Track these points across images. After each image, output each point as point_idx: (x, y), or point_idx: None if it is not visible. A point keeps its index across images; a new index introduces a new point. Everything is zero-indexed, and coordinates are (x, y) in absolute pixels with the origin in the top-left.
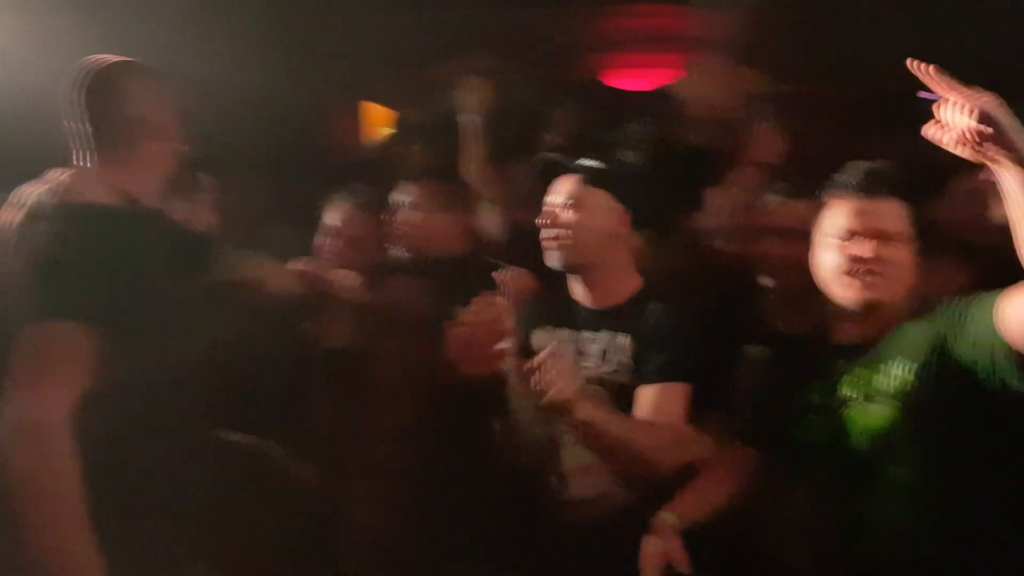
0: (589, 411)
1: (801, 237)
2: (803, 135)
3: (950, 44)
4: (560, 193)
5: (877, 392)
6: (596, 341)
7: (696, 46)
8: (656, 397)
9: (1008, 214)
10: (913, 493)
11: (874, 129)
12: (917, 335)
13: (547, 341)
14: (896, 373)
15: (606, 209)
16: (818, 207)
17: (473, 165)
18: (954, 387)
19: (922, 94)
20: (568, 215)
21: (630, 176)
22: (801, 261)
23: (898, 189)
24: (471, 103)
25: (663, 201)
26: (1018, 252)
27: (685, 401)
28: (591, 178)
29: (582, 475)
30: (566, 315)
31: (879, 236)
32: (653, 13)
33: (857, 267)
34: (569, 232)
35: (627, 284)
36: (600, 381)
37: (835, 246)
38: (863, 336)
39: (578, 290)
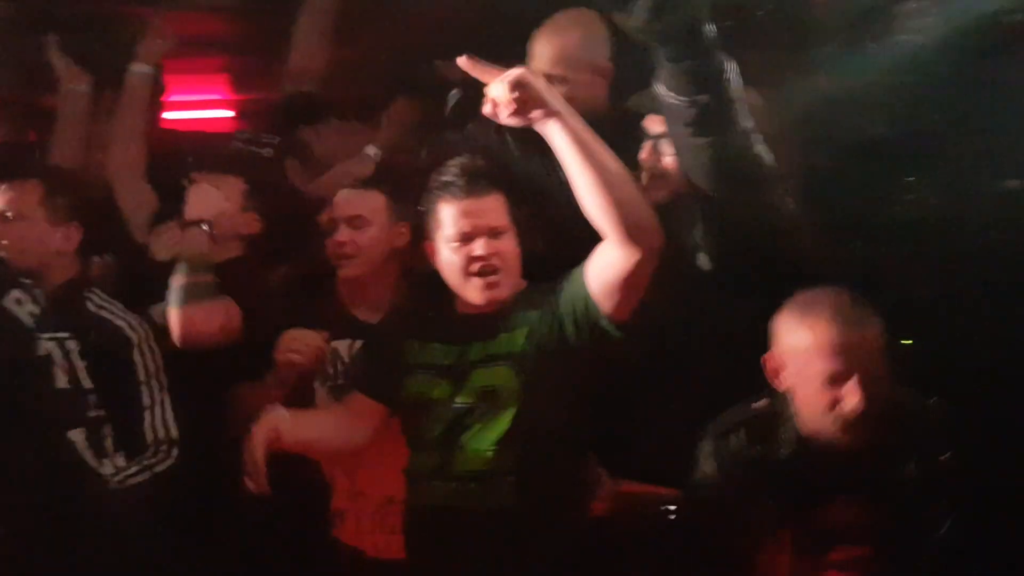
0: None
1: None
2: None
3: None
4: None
5: (498, 355)
6: None
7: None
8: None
9: (565, 171)
10: (517, 446)
11: None
12: (532, 304)
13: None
14: (516, 338)
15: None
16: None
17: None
18: (557, 345)
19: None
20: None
21: None
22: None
23: (497, 182)
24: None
25: None
26: (580, 205)
27: None
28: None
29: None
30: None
31: (489, 233)
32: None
33: (477, 266)
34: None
35: None
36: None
37: (453, 249)
38: (487, 311)
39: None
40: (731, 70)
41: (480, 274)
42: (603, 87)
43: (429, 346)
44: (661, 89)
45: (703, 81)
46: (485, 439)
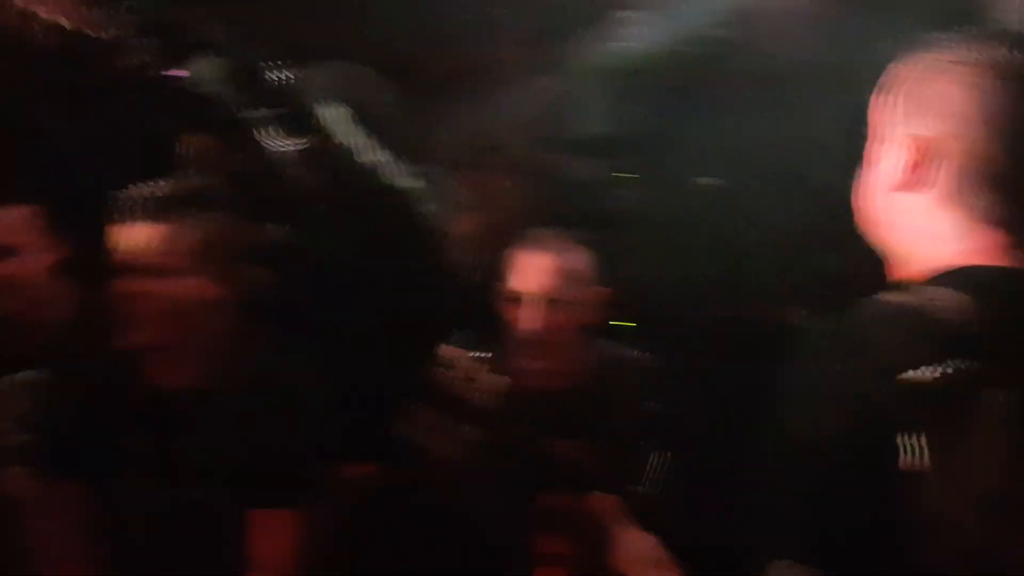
0: None
1: None
2: None
3: None
4: None
5: None
6: None
7: None
8: None
9: None
10: None
11: None
12: None
13: None
14: None
15: None
16: None
17: None
18: None
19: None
20: None
21: None
22: None
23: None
24: None
25: None
26: None
27: None
28: None
29: None
30: None
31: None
32: None
33: None
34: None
35: None
36: None
37: None
38: None
39: None
40: (332, 113)
41: None
42: None
43: None
44: (266, 141)
45: (296, 126)
46: None
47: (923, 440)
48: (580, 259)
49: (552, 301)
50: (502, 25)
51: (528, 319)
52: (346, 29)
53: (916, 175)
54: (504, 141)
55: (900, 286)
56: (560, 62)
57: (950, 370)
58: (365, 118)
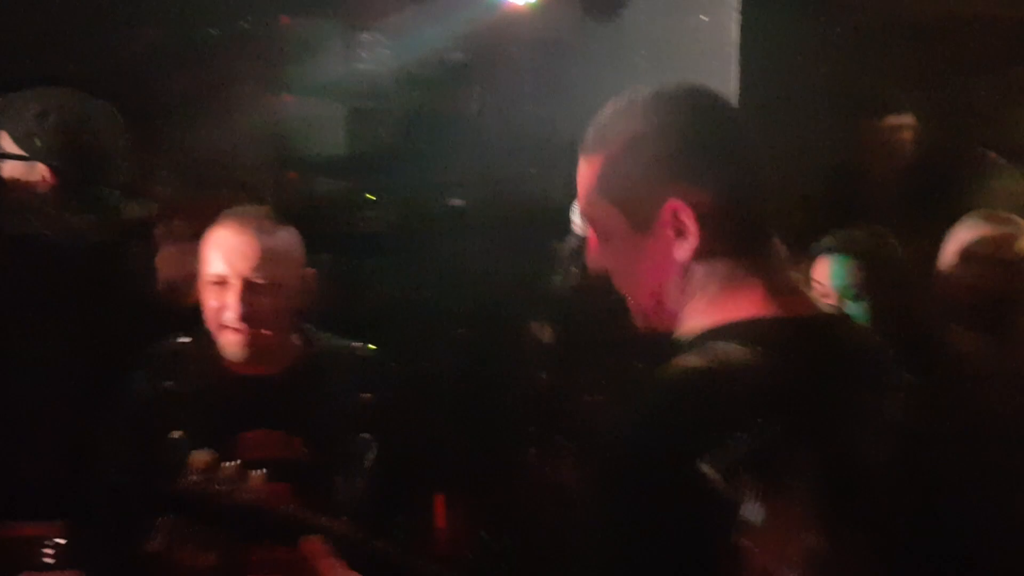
0: None
1: None
2: None
3: None
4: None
5: None
6: None
7: None
8: None
9: None
10: None
11: None
12: None
13: None
14: None
15: None
16: None
17: None
18: None
19: None
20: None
21: None
22: None
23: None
24: None
25: None
26: None
27: None
28: None
29: None
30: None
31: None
32: None
33: None
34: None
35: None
36: None
37: None
38: None
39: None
40: None
41: None
42: None
43: None
44: None
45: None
46: None
47: (746, 505)
48: (284, 240)
49: (254, 284)
50: (241, 42)
51: (230, 303)
52: (65, 52)
53: (690, 241)
54: (240, 160)
55: (682, 343)
56: (300, 81)
57: (760, 431)
58: (87, 144)
